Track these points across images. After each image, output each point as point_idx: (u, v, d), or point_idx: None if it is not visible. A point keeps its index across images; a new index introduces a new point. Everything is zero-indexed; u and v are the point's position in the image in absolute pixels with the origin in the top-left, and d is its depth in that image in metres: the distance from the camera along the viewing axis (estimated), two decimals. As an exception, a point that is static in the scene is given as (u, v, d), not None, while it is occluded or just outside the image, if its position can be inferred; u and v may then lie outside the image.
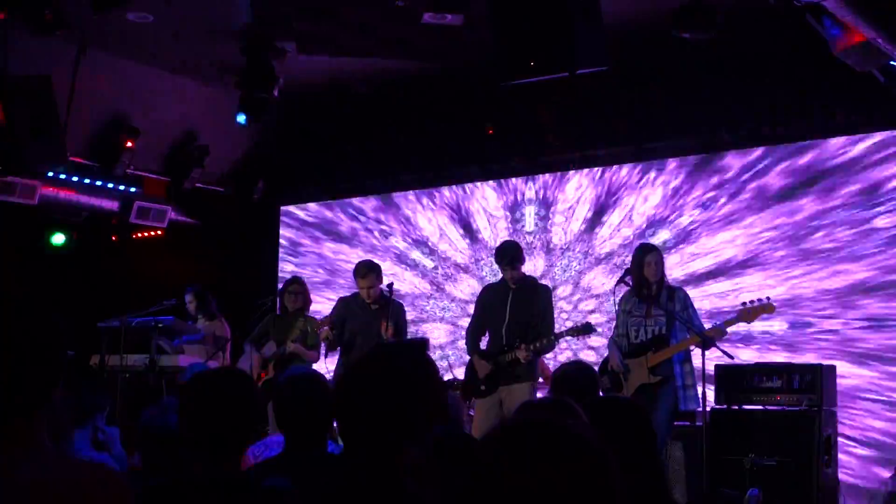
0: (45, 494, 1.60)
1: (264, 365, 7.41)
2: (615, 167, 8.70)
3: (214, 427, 2.57)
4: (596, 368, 5.69)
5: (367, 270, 7.08)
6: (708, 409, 6.20)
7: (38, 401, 1.70)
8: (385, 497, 2.04)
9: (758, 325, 6.87)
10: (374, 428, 2.06)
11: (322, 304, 8.94)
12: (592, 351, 8.38)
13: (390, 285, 7.16)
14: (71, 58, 8.07)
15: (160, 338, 7.81)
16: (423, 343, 7.41)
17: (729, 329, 6.16)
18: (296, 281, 7.69)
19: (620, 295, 6.45)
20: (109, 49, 8.38)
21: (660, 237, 8.26)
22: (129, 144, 8.99)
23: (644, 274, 6.27)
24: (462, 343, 9.03)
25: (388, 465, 2.05)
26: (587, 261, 8.82)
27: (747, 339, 7.64)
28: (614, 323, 6.51)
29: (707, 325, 6.34)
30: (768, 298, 6.15)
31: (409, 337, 7.09)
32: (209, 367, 7.43)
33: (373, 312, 7.04)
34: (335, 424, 2.31)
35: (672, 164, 8.40)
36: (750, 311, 6.09)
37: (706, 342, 5.92)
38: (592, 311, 8.65)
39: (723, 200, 8.10)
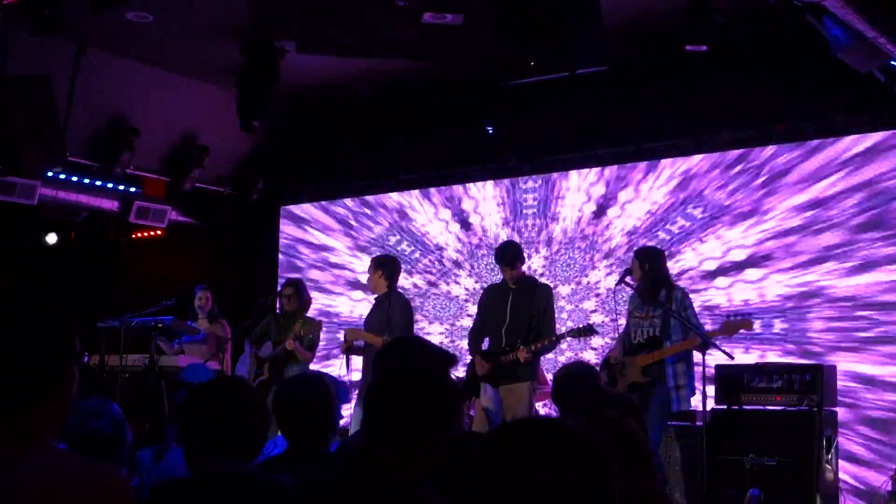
0: (46, 492, 1.60)
1: (261, 365, 7.42)
2: (616, 166, 8.71)
3: (222, 434, 2.58)
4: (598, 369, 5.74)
5: (371, 264, 7.17)
6: (708, 409, 6.21)
7: (36, 395, 1.69)
8: (399, 497, 2.05)
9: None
10: (392, 429, 2.08)
11: (320, 304, 8.96)
12: (594, 352, 8.39)
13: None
14: (71, 58, 8.07)
15: (160, 338, 7.81)
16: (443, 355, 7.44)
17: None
18: (288, 284, 7.69)
19: (622, 295, 6.53)
20: (109, 49, 8.38)
21: (660, 236, 8.27)
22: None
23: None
24: (460, 343, 9.07)
25: (406, 466, 2.07)
26: (590, 259, 8.82)
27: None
28: (621, 321, 6.60)
29: (708, 327, 6.39)
30: (750, 315, 6.23)
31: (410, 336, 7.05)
32: (208, 367, 7.47)
33: (377, 306, 7.10)
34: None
35: (672, 163, 8.39)
36: (731, 325, 6.18)
37: (704, 344, 5.97)
38: (594, 311, 8.66)
39: (724, 198, 8.10)
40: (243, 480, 2.56)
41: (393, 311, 6.88)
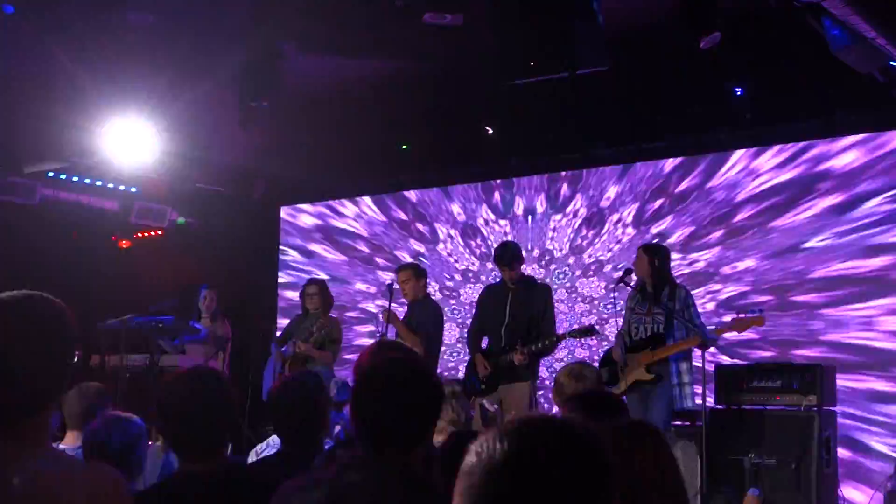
0: (48, 494, 1.60)
1: (282, 365, 7.46)
2: (615, 166, 8.71)
3: (191, 425, 2.56)
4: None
5: (406, 273, 7.29)
6: (708, 408, 6.21)
7: (46, 400, 1.70)
8: (410, 491, 2.06)
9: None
10: (388, 431, 2.10)
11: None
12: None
13: (389, 285, 7.24)
14: (71, 58, 8.06)
15: (161, 338, 7.81)
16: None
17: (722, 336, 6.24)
18: (311, 283, 7.76)
19: (622, 293, 6.52)
20: (109, 49, 8.37)
21: (661, 235, 8.27)
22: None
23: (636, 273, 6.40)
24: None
25: (405, 463, 2.09)
26: (596, 262, 8.83)
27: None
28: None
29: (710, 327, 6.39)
30: (761, 311, 6.21)
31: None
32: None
33: (410, 312, 7.20)
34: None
35: (672, 163, 8.40)
36: (742, 322, 6.18)
37: (705, 343, 5.96)
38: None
39: (724, 199, 8.11)
40: (233, 477, 2.55)
41: (426, 319, 6.99)
